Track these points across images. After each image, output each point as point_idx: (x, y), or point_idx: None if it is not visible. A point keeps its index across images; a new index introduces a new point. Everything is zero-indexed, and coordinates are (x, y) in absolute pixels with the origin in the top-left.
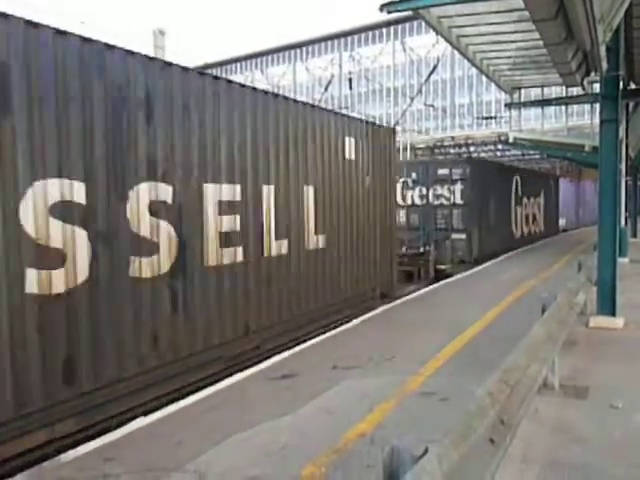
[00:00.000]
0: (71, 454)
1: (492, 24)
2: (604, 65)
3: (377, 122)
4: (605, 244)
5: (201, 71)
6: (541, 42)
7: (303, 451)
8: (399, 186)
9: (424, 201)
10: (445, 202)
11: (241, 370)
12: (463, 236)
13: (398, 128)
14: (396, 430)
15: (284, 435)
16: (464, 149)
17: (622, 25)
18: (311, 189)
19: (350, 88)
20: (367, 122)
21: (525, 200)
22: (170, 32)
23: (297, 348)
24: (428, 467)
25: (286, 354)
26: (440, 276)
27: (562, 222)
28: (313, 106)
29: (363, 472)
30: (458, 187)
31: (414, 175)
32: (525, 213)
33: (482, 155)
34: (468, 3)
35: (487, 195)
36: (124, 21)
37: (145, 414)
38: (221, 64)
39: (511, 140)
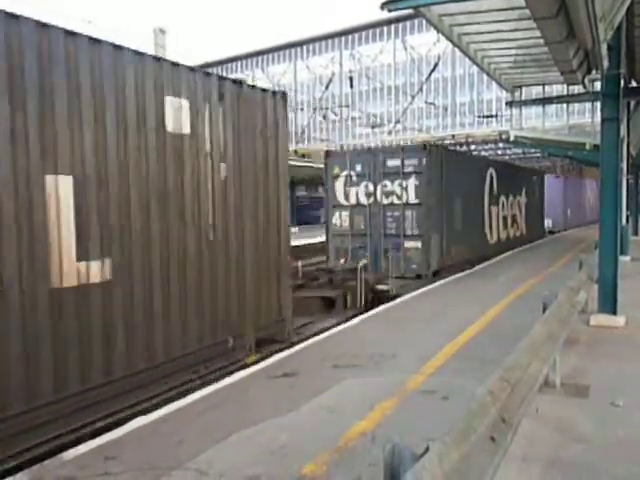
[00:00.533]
0: (72, 453)
1: (493, 22)
2: (605, 63)
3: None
4: (606, 242)
5: None
6: (542, 40)
7: (304, 450)
8: (341, 182)
9: (371, 200)
10: (396, 201)
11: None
12: (418, 244)
13: (399, 126)
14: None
15: (285, 434)
16: (465, 147)
17: (623, 23)
18: (65, 182)
19: (351, 86)
20: (222, 78)
21: (503, 199)
22: (171, 31)
23: (297, 347)
24: (429, 465)
25: (287, 353)
26: (382, 299)
27: (548, 223)
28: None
29: (364, 471)
30: (412, 182)
31: (359, 168)
32: (503, 214)
33: (483, 154)
34: (469, 1)
35: (451, 192)
36: (125, 20)
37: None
38: (221, 63)
39: (512, 138)
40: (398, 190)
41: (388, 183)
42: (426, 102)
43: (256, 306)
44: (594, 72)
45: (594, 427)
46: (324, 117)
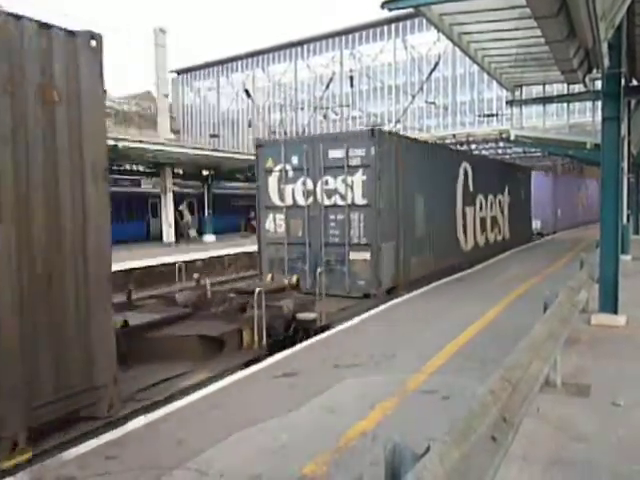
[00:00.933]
0: (72, 452)
1: (494, 21)
2: (606, 62)
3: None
4: (607, 241)
5: None
6: (543, 39)
7: (305, 449)
8: (275, 177)
9: (310, 200)
10: (340, 202)
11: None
12: (367, 255)
13: (399, 126)
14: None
15: (285, 433)
16: (465, 147)
17: (624, 22)
18: None
19: (351, 86)
20: None
21: (481, 198)
22: (171, 30)
23: (298, 347)
24: (430, 465)
25: (288, 352)
26: (307, 332)
27: (537, 225)
28: None
29: (365, 470)
30: (358, 178)
31: (295, 160)
32: (481, 216)
33: (484, 152)
34: (470, 0)
35: (410, 191)
36: (125, 20)
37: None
38: (222, 62)
39: (512, 138)
40: (342, 188)
41: (330, 179)
42: (426, 101)
43: (30, 370)
44: (595, 71)
45: (595, 426)
46: (324, 117)
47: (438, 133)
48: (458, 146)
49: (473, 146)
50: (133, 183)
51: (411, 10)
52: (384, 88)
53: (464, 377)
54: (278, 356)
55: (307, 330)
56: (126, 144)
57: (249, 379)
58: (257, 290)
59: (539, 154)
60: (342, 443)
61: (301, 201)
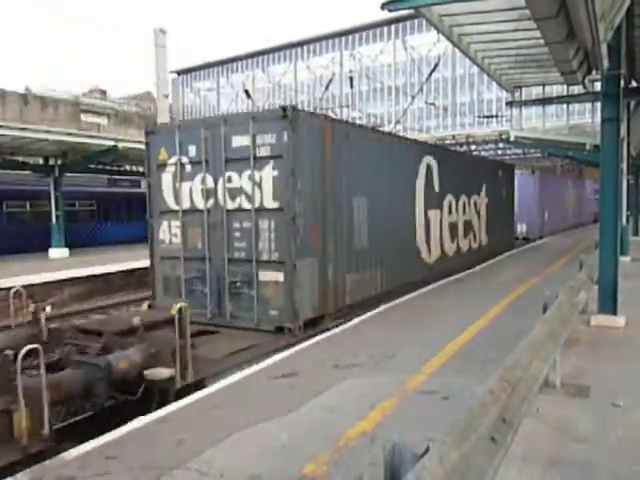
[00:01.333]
0: (73, 452)
1: (493, 22)
2: (605, 63)
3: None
4: (606, 242)
5: None
6: (542, 41)
7: (305, 449)
8: (170, 173)
9: (211, 202)
10: (246, 205)
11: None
12: (279, 276)
13: (399, 126)
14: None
15: (285, 433)
16: (465, 147)
17: (623, 23)
18: None
19: (351, 87)
20: None
21: (450, 199)
22: (171, 31)
23: (298, 347)
24: (429, 465)
25: (287, 353)
26: (166, 398)
27: (522, 229)
28: None
29: (364, 470)
30: (268, 173)
31: (193, 151)
32: (450, 221)
33: (483, 154)
34: (470, 1)
35: (346, 191)
36: (125, 20)
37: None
38: (222, 63)
39: (512, 139)
40: (248, 186)
41: (234, 175)
42: (426, 102)
43: None
44: (594, 72)
45: (594, 427)
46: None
47: (438, 134)
48: (458, 147)
49: (473, 147)
50: None
51: (411, 11)
52: (384, 89)
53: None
54: (278, 356)
55: (165, 392)
56: None
57: (249, 380)
58: (175, 313)
59: (539, 155)
60: (342, 443)
61: (200, 204)
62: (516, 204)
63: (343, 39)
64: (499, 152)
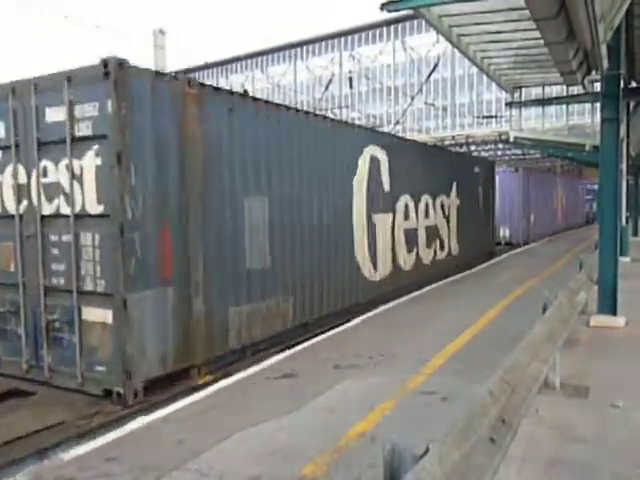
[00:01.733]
0: (72, 453)
1: (493, 23)
2: (605, 64)
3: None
4: (606, 243)
5: None
6: (542, 41)
7: (304, 450)
8: None
9: (25, 205)
10: (65, 209)
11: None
12: (108, 315)
13: (398, 127)
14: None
15: (285, 434)
16: (465, 148)
17: (623, 24)
18: None
19: (351, 87)
20: None
21: (406, 201)
22: (170, 31)
23: (298, 347)
24: (429, 466)
25: (287, 353)
26: None
27: (505, 233)
28: None
29: (364, 471)
30: (90, 161)
31: (1, 129)
32: (406, 227)
33: (483, 154)
34: (469, 2)
35: (232, 187)
36: (125, 20)
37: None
38: (221, 63)
39: (512, 139)
40: (66, 181)
41: (50, 165)
42: (426, 103)
43: None
44: (594, 73)
45: (594, 428)
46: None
47: (437, 134)
48: (457, 148)
49: (472, 147)
50: None
51: (410, 11)
52: (383, 89)
53: None
54: (277, 357)
55: None
56: None
57: (249, 380)
58: None
59: (538, 156)
60: (342, 444)
61: (11, 207)
62: (497, 206)
63: (342, 39)
64: (499, 153)
